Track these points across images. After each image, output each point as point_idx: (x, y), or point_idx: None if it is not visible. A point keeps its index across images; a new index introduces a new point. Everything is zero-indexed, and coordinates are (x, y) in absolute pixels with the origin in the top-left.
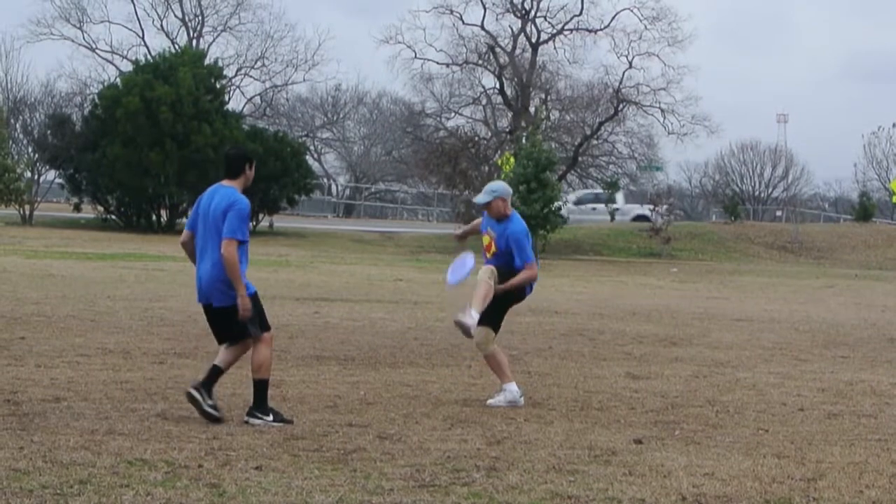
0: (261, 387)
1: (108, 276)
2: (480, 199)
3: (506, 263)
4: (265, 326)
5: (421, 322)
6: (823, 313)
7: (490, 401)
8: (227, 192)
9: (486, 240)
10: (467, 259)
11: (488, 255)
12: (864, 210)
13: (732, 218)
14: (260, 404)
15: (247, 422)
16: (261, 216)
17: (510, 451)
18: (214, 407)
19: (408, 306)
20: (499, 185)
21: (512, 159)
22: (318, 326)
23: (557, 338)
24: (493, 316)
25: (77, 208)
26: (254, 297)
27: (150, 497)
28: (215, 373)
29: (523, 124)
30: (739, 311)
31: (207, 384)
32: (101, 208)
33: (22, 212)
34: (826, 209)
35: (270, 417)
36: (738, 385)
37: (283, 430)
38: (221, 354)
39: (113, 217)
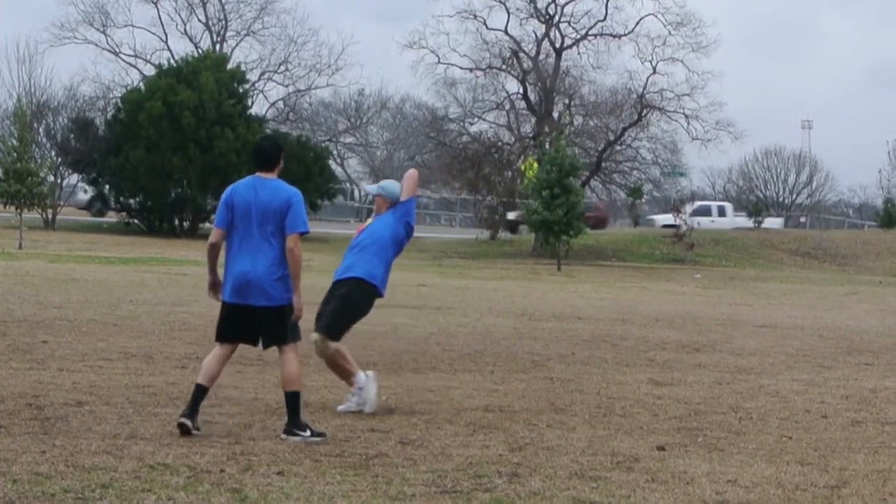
0: (296, 400)
1: (131, 280)
2: (372, 189)
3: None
4: (298, 334)
5: (443, 327)
6: (847, 320)
7: (340, 406)
8: (275, 185)
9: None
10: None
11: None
12: (889, 217)
13: (756, 224)
14: (298, 419)
15: (284, 440)
16: None
17: (532, 457)
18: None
19: (430, 312)
20: (390, 187)
21: (535, 164)
22: None
23: (580, 344)
24: (335, 326)
25: (100, 212)
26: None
27: (171, 502)
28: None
29: (547, 129)
30: (763, 317)
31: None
32: (123, 212)
33: (45, 216)
34: (850, 216)
35: (308, 433)
36: (761, 392)
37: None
38: (212, 370)
39: (135, 221)
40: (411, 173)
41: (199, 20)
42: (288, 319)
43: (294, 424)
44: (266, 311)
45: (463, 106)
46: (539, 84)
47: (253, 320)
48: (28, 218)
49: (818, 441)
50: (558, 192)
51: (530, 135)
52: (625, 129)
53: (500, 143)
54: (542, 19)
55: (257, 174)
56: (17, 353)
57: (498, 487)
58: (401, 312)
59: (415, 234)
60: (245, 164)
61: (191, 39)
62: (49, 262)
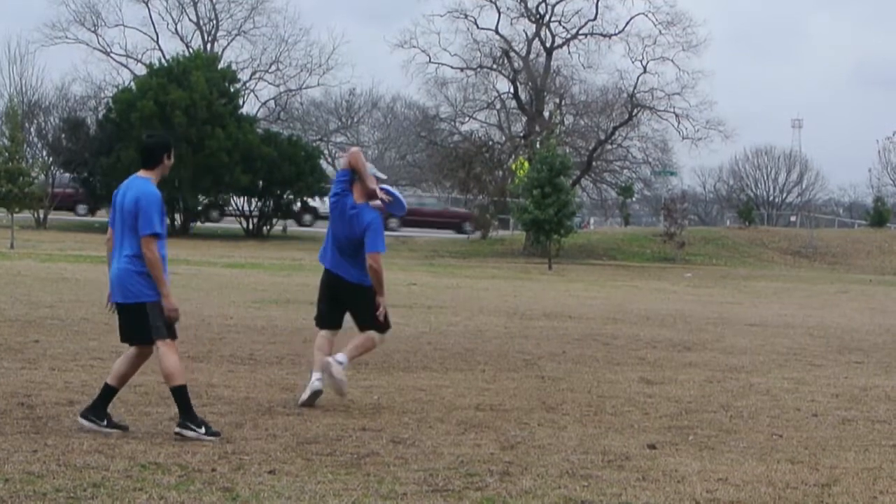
0: (180, 394)
1: None
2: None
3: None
4: (172, 333)
5: (435, 326)
6: (838, 319)
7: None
8: (138, 183)
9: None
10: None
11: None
12: (879, 215)
13: (747, 223)
14: (188, 414)
15: (179, 434)
16: (275, 220)
17: (523, 455)
18: (115, 424)
19: (421, 311)
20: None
21: (526, 164)
22: None
23: (571, 342)
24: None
25: (91, 212)
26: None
27: (163, 501)
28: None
29: (537, 129)
30: (753, 316)
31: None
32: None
33: (36, 215)
34: (840, 214)
35: (203, 430)
36: (751, 390)
37: (294, 434)
38: (118, 369)
39: None
40: (350, 149)
41: (190, 20)
42: (148, 317)
43: (187, 419)
44: (123, 308)
45: (454, 105)
46: (530, 83)
47: (123, 317)
48: (19, 218)
49: (809, 439)
50: (549, 192)
51: (521, 134)
52: (615, 129)
53: (490, 143)
54: (533, 19)
55: (137, 172)
56: (8, 352)
57: (489, 486)
58: (392, 311)
59: (405, 233)
60: (237, 165)
61: (182, 39)
62: (41, 261)
